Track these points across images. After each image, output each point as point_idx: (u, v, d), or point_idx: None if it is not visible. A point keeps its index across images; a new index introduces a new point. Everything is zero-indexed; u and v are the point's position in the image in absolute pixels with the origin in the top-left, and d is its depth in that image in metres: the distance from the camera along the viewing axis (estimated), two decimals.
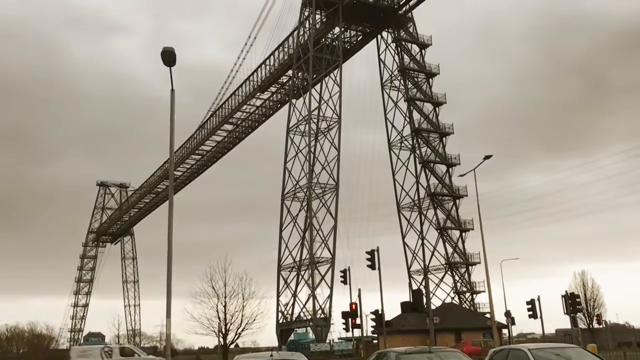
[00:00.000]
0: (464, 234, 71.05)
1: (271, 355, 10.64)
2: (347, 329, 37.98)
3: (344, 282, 39.52)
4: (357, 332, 41.53)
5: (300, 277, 64.62)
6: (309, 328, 65.48)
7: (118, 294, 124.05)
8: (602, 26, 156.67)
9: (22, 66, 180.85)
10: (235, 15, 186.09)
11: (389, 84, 73.27)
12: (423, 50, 72.90)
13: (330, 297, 61.05)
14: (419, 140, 71.49)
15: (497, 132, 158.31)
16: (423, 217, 70.85)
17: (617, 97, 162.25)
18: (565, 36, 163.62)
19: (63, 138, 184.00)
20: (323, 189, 64.19)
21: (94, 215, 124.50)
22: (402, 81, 72.22)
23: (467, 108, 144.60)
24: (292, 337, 66.83)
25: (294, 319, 64.79)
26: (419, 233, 70.95)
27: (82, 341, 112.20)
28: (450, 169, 71.50)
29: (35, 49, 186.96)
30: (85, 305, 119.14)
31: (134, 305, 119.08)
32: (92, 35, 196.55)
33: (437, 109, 72.34)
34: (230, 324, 30.85)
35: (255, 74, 71.37)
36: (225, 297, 30.08)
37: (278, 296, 65.07)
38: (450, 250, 70.71)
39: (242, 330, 31.18)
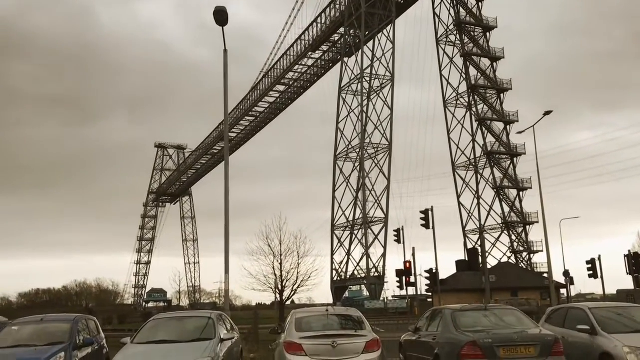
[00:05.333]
0: (521, 193, 69.50)
1: (327, 310, 10.72)
2: (401, 287, 38.15)
3: (398, 242, 39.58)
4: (411, 291, 41.69)
5: (354, 236, 65.09)
6: (363, 286, 66.20)
7: (178, 252, 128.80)
8: None
9: (53, 32, 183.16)
10: None
11: (445, 39, 71.15)
12: (480, 3, 70.25)
13: (383, 255, 61.39)
14: (476, 97, 69.59)
15: (543, 87, 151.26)
16: (479, 176, 69.62)
17: None
18: None
19: (109, 102, 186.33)
20: (376, 149, 63.74)
21: (154, 176, 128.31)
22: (458, 36, 70.00)
23: (510, 63, 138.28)
24: (346, 294, 67.79)
25: (348, 277, 65.60)
26: (474, 192, 69.86)
27: (145, 297, 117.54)
28: (508, 127, 69.55)
29: (63, 14, 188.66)
30: (148, 263, 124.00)
31: (194, 263, 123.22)
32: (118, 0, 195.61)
33: (494, 64, 70.00)
34: (286, 281, 31.64)
35: (306, 32, 70.56)
36: (281, 255, 30.83)
37: (332, 255, 65.92)
38: (507, 209, 69.41)
39: (298, 287, 32.01)
